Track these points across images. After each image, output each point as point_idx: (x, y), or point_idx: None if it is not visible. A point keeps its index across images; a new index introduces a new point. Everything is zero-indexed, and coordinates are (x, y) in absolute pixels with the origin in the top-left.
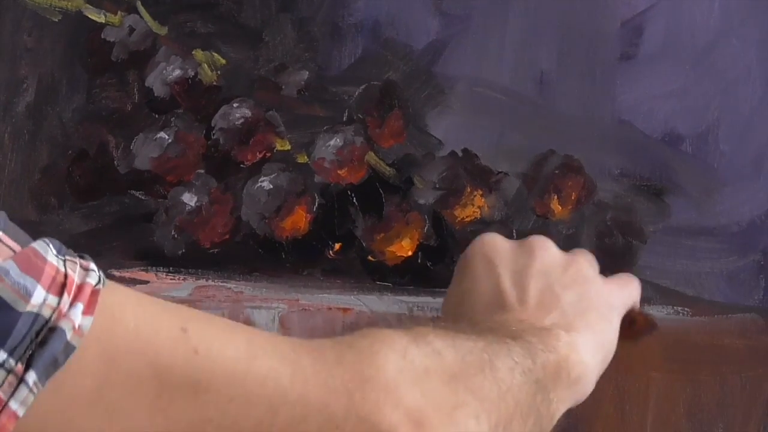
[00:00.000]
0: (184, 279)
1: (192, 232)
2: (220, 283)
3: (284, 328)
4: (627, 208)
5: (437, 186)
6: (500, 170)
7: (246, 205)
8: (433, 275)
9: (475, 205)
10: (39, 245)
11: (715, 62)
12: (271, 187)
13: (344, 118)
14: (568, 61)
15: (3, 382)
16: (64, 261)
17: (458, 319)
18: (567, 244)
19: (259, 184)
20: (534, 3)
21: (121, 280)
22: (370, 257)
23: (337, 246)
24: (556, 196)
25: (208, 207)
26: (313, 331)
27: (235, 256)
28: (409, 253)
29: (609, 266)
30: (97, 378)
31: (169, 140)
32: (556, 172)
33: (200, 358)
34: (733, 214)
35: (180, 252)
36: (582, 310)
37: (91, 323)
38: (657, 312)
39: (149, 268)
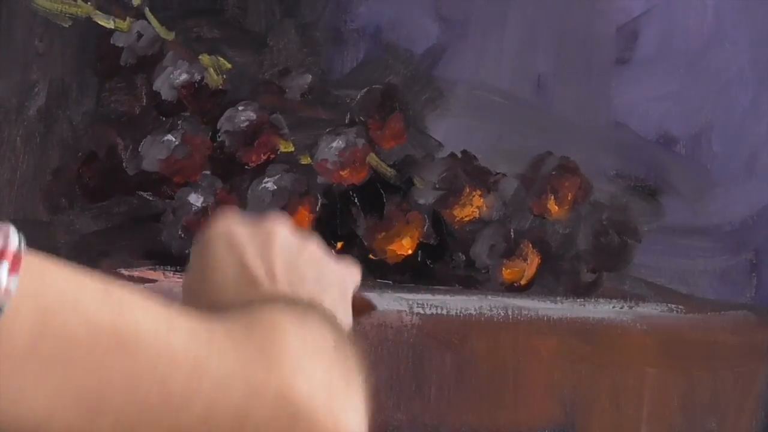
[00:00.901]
0: None
1: (198, 232)
2: None
3: None
4: (622, 207)
5: (437, 186)
6: (498, 171)
7: (251, 205)
8: (432, 273)
9: (473, 205)
10: None
11: (708, 66)
12: (275, 187)
13: (346, 121)
14: (564, 65)
15: None
16: None
17: (203, 299)
18: (564, 243)
19: (264, 184)
20: (531, 9)
21: (130, 279)
22: (371, 256)
23: (339, 245)
24: (553, 197)
25: (214, 207)
26: None
27: None
28: (410, 252)
29: (605, 264)
30: (31, 334)
31: (176, 142)
32: (553, 173)
33: (126, 315)
34: (725, 214)
35: (187, 251)
36: (325, 287)
37: (18, 282)
38: (651, 310)
39: (157, 267)
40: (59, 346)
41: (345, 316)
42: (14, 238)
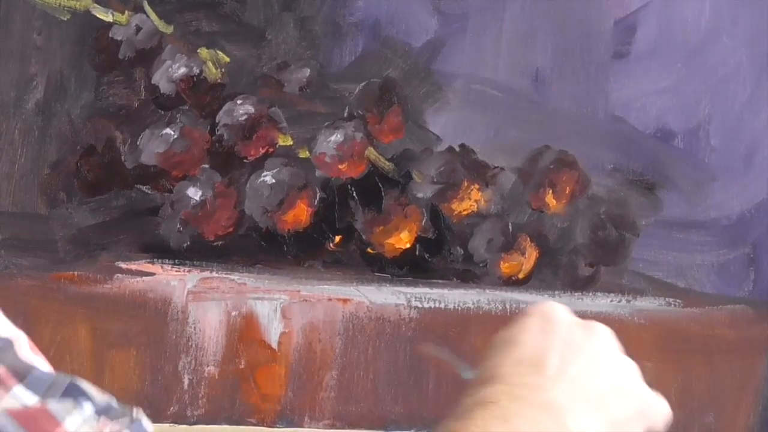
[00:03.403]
0: (188, 271)
1: (197, 226)
2: (224, 275)
3: (286, 318)
4: (620, 201)
5: (435, 180)
6: (496, 165)
7: (249, 198)
8: (430, 267)
9: (471, 199)
10: (57, 407)
11: (706, 60)
12: (274, 181)
13: (345, 115)
14: (562, 59)
15: None
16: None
17: (485, 366)
18: (562, 237)
19: (262, 178)
20: (529, 3)
21: (128, 272)
22: (369, 249)
23: (337, 238)
24: (551, 190)
25: (213, 201)
26: (314, 322)
27: (238, 248)
28: (408, 246)
29: (603, 258)
30: None
31: (175, 136)
32: (551, 166)
33: None
34: (723, 208)
35: (185, 244)
36: (611, 404)
37: None
38: (649, 303)
39: (155, 260)
40: None
41: None
42: None
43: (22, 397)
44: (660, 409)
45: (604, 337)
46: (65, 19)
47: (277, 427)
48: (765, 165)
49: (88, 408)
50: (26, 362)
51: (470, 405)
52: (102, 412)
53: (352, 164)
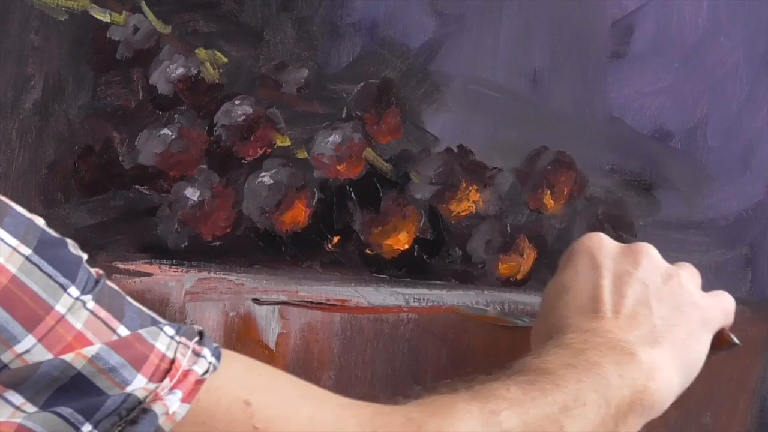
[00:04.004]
0: (186, 271)
1: (194, 226)
2: (222, 276)
3: (283, 319)
4: (617, 202)
5: (433, 181)
6: (495, 166)
7: (247, 199)
8: (429, 268)
9: (470, 200)
10: (148, 332)
11: (703, 60)
12: (272, 182)
13: (343, 115)
14: (560, 59)
15: None
16: (177, 345)
17: (552, 320)
18: (560, 238)
19: (260, 179)
20: (527, 3)
21: (126, 273)
22: (367, 250)
23: (335, 239)
24: (549, 191)
25: (211, 201)
26: (312, 322)
27: (236, 249)
28: (406, 247)
29: None
30: None
31: (173, 136)
32: (549, 167)
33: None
34: (721, 209)
35: (183, 245)
36: (672, 326)
37: (187, 411)
38: None
39: (153, 260)
40: None
41: (686, 358)
42: (203, 363)
43: (121, 333)
44: (721, 309)
45: (649, 256)
46: (63, 19)
47: None
48: (763, 165)
49: (168, 329)
50: (119, 293)
51: (514, 368)
52: (178, 332)
53: (350, 165)
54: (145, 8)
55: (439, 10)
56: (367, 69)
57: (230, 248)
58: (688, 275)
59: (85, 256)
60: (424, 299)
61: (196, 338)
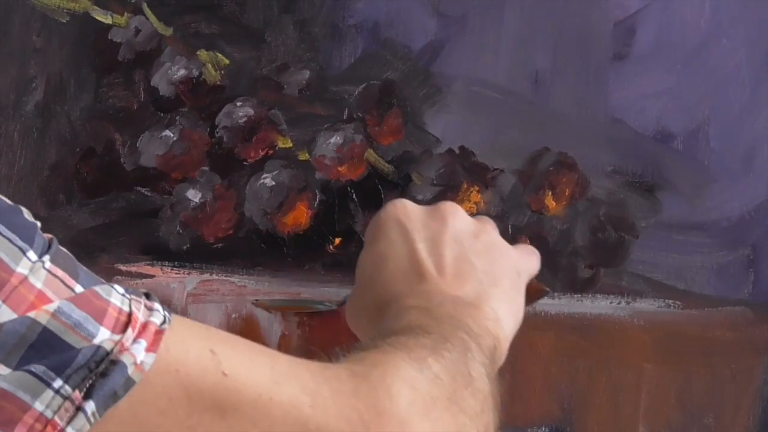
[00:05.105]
0: (188, 273)
1: (196, 228)
2: (224, 277)
3: (285, 320)
4: (619, 203)
5: (435, 182)
6: (496, 167)
7: (249, 201)
8: None
9: (471, 201)
10: (101, 288)
11: (705, 62)
12: (274, 183)
13: (344, 117)
14: (562, 60)
15: (59, 408)
16: (130, 301)
17: (378, 290)
18: (561, 239)
19: (262, 180)
20: (529, 4)
21: (128, 275)
22: None
23: (337, 241)
24: (550, 192)
25: (212, 203)
26: (314, 324)
27: (238, 250)
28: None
29: (602, 260)
30: (131, 396)
31: (174, 138)
32: (551, 168)
33: (228, 381)
34: (723, 210)
35: (185, 247)
36: (495, 279)
37: (154, 360)
38: (649, 305)
39: (155, 262)
40: (157, 410)
41: (514, 308)
42: (158, 315)
43: (77, 291)
44: (529, 259)
45: (455, 214)
46: (64, 21)
47: None
48: (765, 167)
49: (118, 288)
50: (70, 256)
51: (387, 331)
52: (126, 291)
53: (352, 166)
54: (146, 10)
55: (441, 11)
56: (368, 70)
57: (232, 250)
58: (493, 229)
59: (39, 224)
60: None
61: (144, 297)
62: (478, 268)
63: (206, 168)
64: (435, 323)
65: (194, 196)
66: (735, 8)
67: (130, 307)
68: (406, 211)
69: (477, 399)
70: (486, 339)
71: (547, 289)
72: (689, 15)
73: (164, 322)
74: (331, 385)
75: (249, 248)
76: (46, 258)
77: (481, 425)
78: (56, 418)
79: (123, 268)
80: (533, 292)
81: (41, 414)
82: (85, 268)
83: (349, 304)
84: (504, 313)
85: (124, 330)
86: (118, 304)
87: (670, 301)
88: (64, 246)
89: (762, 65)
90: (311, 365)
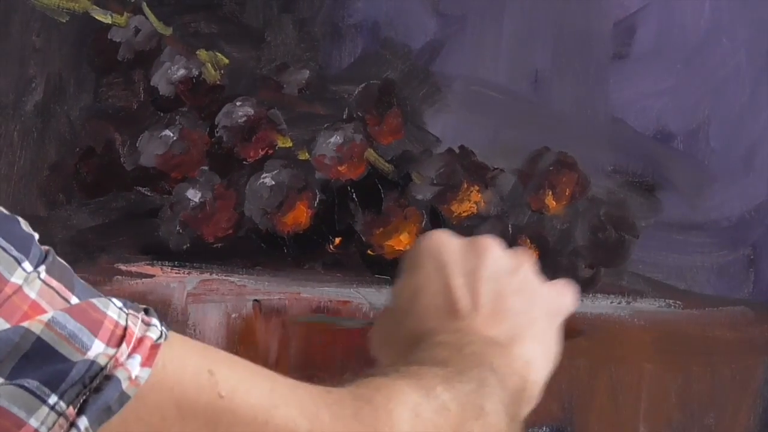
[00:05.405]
0: (188, 273)
1: (196, 227)
2: (224, 277)
3: (285, 321)
4: (620, 203)
5: (435, 182)
6: (496, 166)
7: (249, 200)
8: None
9: (471, 201)
10: (98, 301)
11: (705, 61)
12: (273, 183)
13: (344, 116)
14: (562, 60)
15: (54, 424)
16: (127, 315)
17: (411, 324)
18: (562, 239)
19: (262, 180)
20: (529, 4)
21: (128, 274)
22: (369, 251)
23: (337, 240)
24: (550, 192)
25: (212, 203)
26: (313, 325)
27: (238, 250)
28: (408, 247)
29: (603, 260)
30: (124, 412)
31: (174, 138)
32: (551, 168)
33: (224, 402)
34: (723, 210)
35: (185, 246)
36: (531, 320)
37: (150, 375)
38: (649, 305)
39: (155, 262)
40: (149, 427)
41: (547, 349)
42: (155, 331)
43: (73, 302)
44: (566, 298)
45: (492, 250)
46: (64, 20)
47: None
48: (765, 166)
49: (116, 301)
50: (68, 268)
51: (408, 363)
52: (125, 305)
53: (352, 166)
54: (146, 10)
55: (441, 10)
56: (368, 70)
57: (232, 250)
58: (530, 265)
59: (36, 235)
60: None
61: (142, 312)
62: (514, 308)
63: (206, 168)
64: (458, 358)
65: (194, 195)
66: (735, 8)
67: (126, 321)
68: (443, 243)
69: None
70: (512, 378)
71: (582, 329)
72: (689, 15)
73: (160, 337)
74: (331, 410)
75: (249, 248)
76: (42, 269)
77: None
78: None
79: (123, 267)
80: (570, 330)
81: (36, 430)
82: (82, 281)
83: (376, 329)
84: (536, 354)
85: (119, 344)
86: (115, 317)
87: (671, 301)
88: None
89: (762, 65)
90: (313, 389)
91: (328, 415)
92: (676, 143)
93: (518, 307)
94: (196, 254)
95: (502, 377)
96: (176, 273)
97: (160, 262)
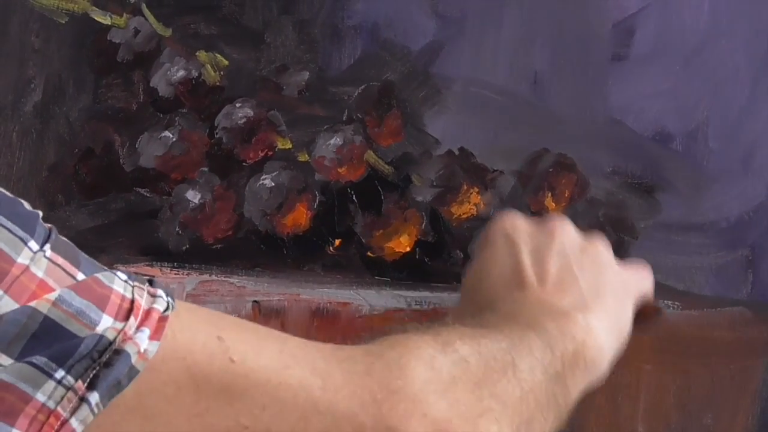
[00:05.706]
0: (188, 274)
1: (196, 229)
2: (223, 278)
3: (285, 322)
4: (619, 204)
5: (434, 184)
6: (496, 168)
7: (248, 202)
8: (430, 270)
9: (471, 202)
10: (104, 275)
11: (704, 63)
12: (273, 184)
13: (344, 118)
14: (561, 62)
15: (62, 398)
16: (133, 287)
17: (478, 298)
18: None
19: (261, 181)
20: (528, 6)
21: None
22: (369, 253)
23: (337, 242)
24: (550, 194)
25: (212, 204)
26: (314, 326)
27: (237, 251)
28: (407, 249)
29: None
30: (137, 384)
31: (174, 139)
32: (550, 170)
33: (235, 366)
34: (721, 211)
35: (184, 248)
36: (598, 293)
37: (157, 348)
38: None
39: (154, 263)
40: (164, 398)
41: (615, 325)
42: (161, 302)
43: (79, 278)
44: (640, 277)
45: (564, 229)
46: (63, 21)
47: None
48: (763, 167)
49: (121, 275)
50: (71, 244)
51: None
52: (129, 278)
53: (352, 168)
54: (145, 11)
55: (440, 12)
56: (368, 71)
57: (231, 251)
58: (603, 245)
59: (40, 213)
60: (425, 302)
61: (147, 283)
62: (581, 281)
63: (205, 169)
64: (506, 323)
65: (193, 196)
66: (734, 9)
67: (132, 293)
68: (513, 223)
69: (517, 388)
70: (564, 343)
71: (662, 310)
72: (688, 16)
73: (167, 308)
74: (342, 366)
75: (248, 249)
76: (47, 247)
77: (516, 415)
78: (59, 409)
79: (122, 268)
80: (646, 312)
81: (43, 405)
82: (86, 255)
83: (452, 311)
84: (602, 327)
85: (126, 317)
86: (121, 290)
87: (669, 302)
88: None
89: (761, 66)
90: (323, 347)
91: (340, 372)
92: (675, 144)
93: (586, 281)
94: (195, 255)
95: (552, 339)
96: (176, 274)
97: (159, 263)
